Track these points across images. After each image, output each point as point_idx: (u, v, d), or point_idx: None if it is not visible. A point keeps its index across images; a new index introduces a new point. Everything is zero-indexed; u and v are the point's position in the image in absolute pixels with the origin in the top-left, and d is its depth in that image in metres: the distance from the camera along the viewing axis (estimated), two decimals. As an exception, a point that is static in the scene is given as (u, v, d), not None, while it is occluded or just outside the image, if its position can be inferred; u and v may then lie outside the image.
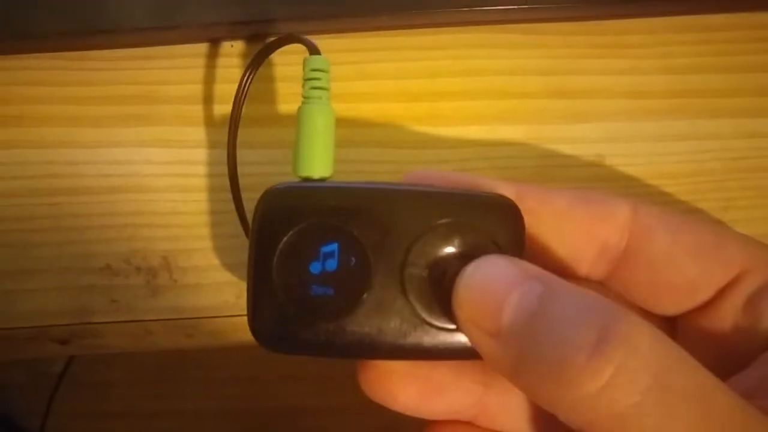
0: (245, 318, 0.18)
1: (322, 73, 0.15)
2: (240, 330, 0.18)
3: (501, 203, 0.13)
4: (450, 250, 0.13)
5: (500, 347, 0.12)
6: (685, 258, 0.14)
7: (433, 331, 0.13)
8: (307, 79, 0.15)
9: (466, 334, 0.12)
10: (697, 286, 0.14)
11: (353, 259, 0.13)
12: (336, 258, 0.13)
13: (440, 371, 0.14)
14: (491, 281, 0.12)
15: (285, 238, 0.13)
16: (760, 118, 0.20)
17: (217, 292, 0.18)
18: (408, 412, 0.14)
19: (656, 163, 0.19)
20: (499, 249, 0.13)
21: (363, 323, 0.13)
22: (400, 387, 0.14)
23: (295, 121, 0.15)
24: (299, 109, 0.15)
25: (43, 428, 0.31)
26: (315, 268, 0.13)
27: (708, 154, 0.20)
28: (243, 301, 0.18)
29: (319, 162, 0.15)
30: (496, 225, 0.13)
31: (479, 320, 0.12)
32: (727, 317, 0.14)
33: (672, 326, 0.15)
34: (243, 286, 0.18)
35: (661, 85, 0.20)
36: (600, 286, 0.15)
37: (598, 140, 0.20)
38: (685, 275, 0.14)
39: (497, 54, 0.20)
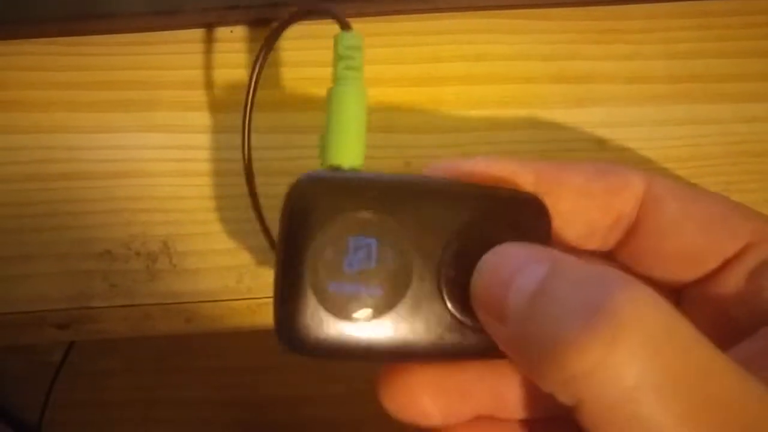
0: (245, 302, 0.18)
1: (356, 50, 0.14)
2: (240, 315, 0.18)
3: (530, 202, 0.13)
4: (480, 248, 0.12)
5: (506, 332, 0.11)
6: (694, 228, 0.14)
7: (468, 331, 0.12)
8: (340, 58, 0.14)
9: (483, 325, 0.12)
10: (704, 256, 0.14)
11: (392, 256, 0.12)
12: (374, 255, 0.12)
13: (464, 376, 0.13)
14: (499, 267, 0.12)
15: (318, 233, 0.12)
16: (760, 103, 0.20)
17: (217, 276, 0.18)
18: (435, 425, 0.13)
19: (657, 147, 0.19)
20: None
21: (401, 325, 0.12)
22: (427, 399, 0.13)
23: (325, 104, 0.14)
24: (331, 90, 0.14)
25: (41, 418, 0.31)
26: (351, 265, 0.12)
27: (708, 139, 0.20)
28: (243, 286, 0.18)
29: (351, 150, 0.14)
30: (524, 224, 0.13)
31: (489, 307, 0.12)
32: (730, 287, 0.14)
33: (676, 297, 0.15)
34: (242, 270, 0.18)
35: (662, 71, 0.20)
36: (605, 257, 0.15)
37: (599, 125, 0.20)
38: (693, 244, 0.14)
39: (499, 39, 0.20)
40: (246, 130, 0.17)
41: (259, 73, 0.17)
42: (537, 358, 0.11)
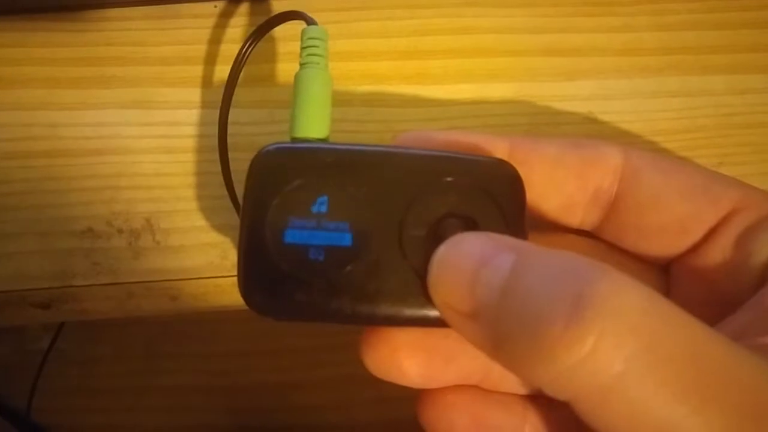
0: (231, 279, 0.18)
1: (319, 41, 0.15)
2: (226, 292, 0.18)
3: (501, 166, 0.13)
4: (450, 210, 0.12)
5: (476, 328, 0.11)
6: (675, 198, 0.14)
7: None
8: (304, 47, 0.15)
9: (445, 318, 0.12)
10: (687, 226, 0.14)
11: (349, 217, 0.12)
12: (332, 215, 0.12)
13: (447, 340, 0.13)
14: (461, 259, 0.11)
15: (277, 198, 0.12)
16: (752, 74, 0.20)
17: (201, 253, 0.18)
18: (415, 386, 0.13)
19: (649, 120, 0.19)
20: (501, 211, 0.12)
21: (361, 285, 0.12)
22: (408, 361, 0.13)
23: (291, 85, 0.15)
24: (296, 74, 0.15)
25: (29, 406, 0.30)
26: (309, 225, 0.12)
27: (701, 111, 0.19)
28: (228, 262, 0.18)
29: (314, 124, 0.15)
30: (496, 187, 0.13)
31: (454, 303, 0.11)
32: (717, 257, 0.13)
33: (666, 274, 0.15)
34: (227, 247, 0.18)
35: (654, 42, 0.20)
36: (592, 236, 0.15)
37: (590, 98, 0.19)
38: (674, 215, 0.14)
39: (487, 12, 0.20)
40: (223, 124, 0.17)
41: (238, 72, 0.17)
42: (519, 355, 0.10)
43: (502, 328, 0.10)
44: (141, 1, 0.19)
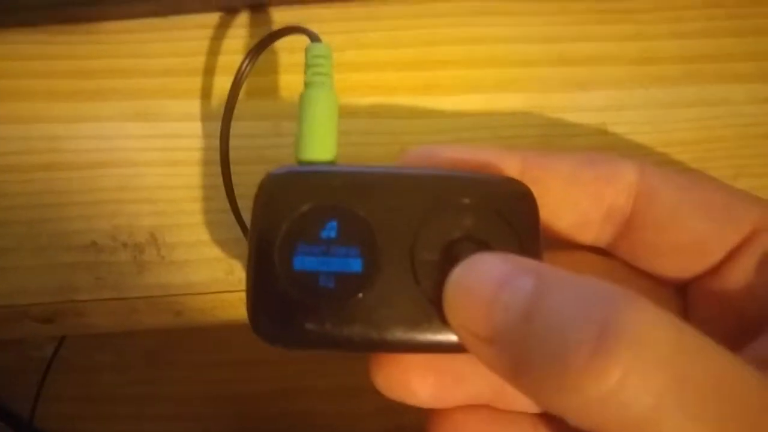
0: (236, 294, 0.18)
1: (323, 59, 0.15)
2: (230, 306, 0.17)
3: (513, 185, 0.13)
4: (462, 233, 0.12)
5: (497, 353, 0.10)
6: (693, 216, 0.13)
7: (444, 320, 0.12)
8: (309, 66, 0.15)
9: (461, 341, 0.11)
10: (706, 246, 0.13)
11: (359, 243, 0.12)
12: (341, 241, 0.12)
13: (457, 361, 0.13)
14: (479, 281, 0.11)
15: (286, 223, 0.12)
16: (773, 84, 0.19)
17: (206, 267, 0.17)
18: (425, 406, 0.13)
19: (665, 130, 0.19)
20: (514, 231, 0.12)
21: (371, 311, 0.12)
22: (418, 382, 0.13)
23: (297, 106, 0.15)
24: (301, 94, 0.15)
25: (33, 412, 0.31)
26: (319, 252, 0.12)
27: (719, 121, 0.19)
28: (234, 277, 0.17)
29: (321, 146, 0.14)
30: (509, 207, 0.12)
31: (471, 326, 0.11)
32: (739, 280, 0.13)
33: (683, 295, 0.14)
34: (233, 262, 0.17)
35: (671, 51, 0.19)
36: (606, 253, 0.15)
37: (603, 108, 0.19)
38: (693, 234, 0.13)
39: (496, 22, 0.19)
40: (225, 136, 0.17)
41: (239, 87, 0.17)
42: (540, 382, 0.10)
43: (523, 354, 0.10)
44: (139, 13, 0.19)
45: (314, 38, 0.16)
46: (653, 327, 0.09)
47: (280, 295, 0.12)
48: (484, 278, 0.11)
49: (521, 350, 0.10)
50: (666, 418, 0.09)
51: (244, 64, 0.17)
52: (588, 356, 0.09)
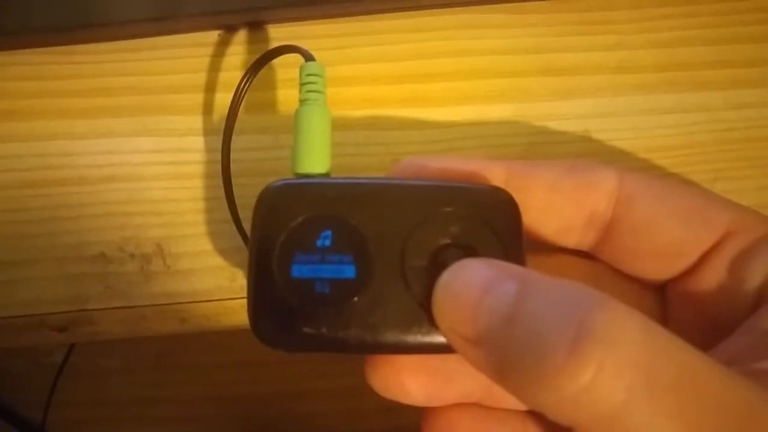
0: (239, 301, 0.18)
1: (317, 77, 0.16)
2: (234, 313, 0.18)
3: (497, 193, 0.13)
4: (450, 240, 0.13)
5: (483, 354, 0.11)
6: (670, 221, 0.14)
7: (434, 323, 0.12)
8: (303, 84, 0.16)
9: (450, 343, 0.12)
10: (681, 249, 0.14)
11: (352, 249, 0.13)
12: (336, 249, 0.13)
13: (447, 361, 0.14)
14: (465, 286, 0.12)
15: (283, 233, 0.13)
16: (747, 89, 0.20)
17: (210, 276, 0.18)
18: (419, 404, 0.14)
19: (645, 137, 0.19)
20: (498, 238, 0.13)
21: (366, 315, 0.12)
22: (410, 381, 0.13)
23: (292, 122, 0.16)
24: (296, 111, 0.16)
25: (45, 417, 0.31)
26: (315, 260, 0.13)
27: (697, 127, 0.20)
28: (236, 285, 0.18)
29: (316, 160, 0.15)
30: (493, 215, 0.13)
31: (459, 329, 0.12)
32: (711, 281, 0.14)
33: (662, 295, 0.15)
34: (236, 270, 0.18)
35: (648, 60, 0.20)
36: (590, 257, 0.15)
37: (586, 116, 0.20)
38: (669, 238, 0.14)
39: (482, 34, 0.20)
40: (226, 149, 0.18)
41: (238, 104, 0.18)
42: (522, 381, 0.11)
43: (506, 355, 0.11)
44: (143, 33, 0.19)
45: (308, 57, 0.16)
46: (624, 327, 0.10)
47: (279, 301, 0.12)
48: (470, 283, 0.11)
49: (505, 352, 0.11)
50: (635, 413, 0.10)
51: (243, 81, 0.17)
52: (564, 356, 0.10)
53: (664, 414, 0.10)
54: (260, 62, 0.18)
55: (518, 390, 0.11)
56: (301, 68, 0.16)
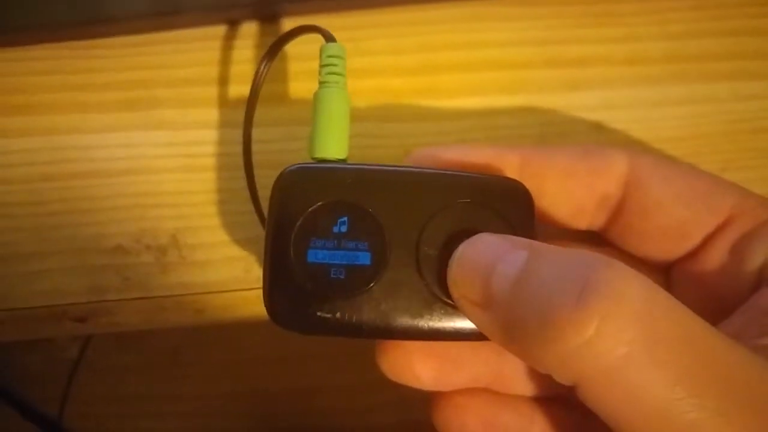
0: (254, 292, 0.19)
1: (338, 59, 0.16)
2: (249, 303, 0.19)
3: (510, 185, 0.14)
4: (463, 229, 0.13)
5: (491, 317, 0.12)
6: (676, 203, 0.14)
7: (449, 310, 0.13)
8: (323, 65, 0.16)
9: (462, 311, 0.12)
10: (686, 231, 0.14)
11: (369, 237, 0.13)
12: (351, 234, 0.13)
13: (458, 346, 0.14)
14: (479, 255, 0.12)
15: (300, 218, 0.13)
16: (756, 81, 0.20)
17: (225, 267, 0.18)
18: (428, 388, 0.14)
19: (654, 128, 0.20)
20: (510, 227, 0.13)
21: (379, 302, 0.13)
22: (421, 365, 0.14)
23: (311, 104, 0.15)
24: (315, 93, 0.16)
25: (61, 413, 0.32)
26: (330, 244, 0.13)
27: (705, 118, 0.20)
28: (252, 276, 0.19)
29: (334, 144, 0.15)
30: (506, 205, 0.13)
31: (470, 294, 0.12)
32: (714, 262, 0.14)
33: (667, 279, 0.15)
34: (251, 260, 0.19)
35: (658, 52, 0.20)
36: (597, 244, 0.16)
37: (596, 108, 0.20)
38: (675, 220, 0.14)
39: (493, 27, 0.20)
40: (247, 141, 0.18)
41: (258, 88, 0.17)
42: (530, 339, 0.11)
43: (514, 315, 0.11)
44: (157, 27, 0.20)
45: (329, 38, 0.16)
46: (628, 285, 0.10)
47: (294, 285, 0.13)
48: (484, 252, 0.12)
49: (512, 312, 0.11)
50: (635, 367, 0.10)
51: (263, 65, 0.17)
52: (570, 310, 0.10)
53: (664, 370, 0.10)
54: (279, 43, 0.17)
55: (525, 349, 0.11)
56: (322, 49, 0.16)
